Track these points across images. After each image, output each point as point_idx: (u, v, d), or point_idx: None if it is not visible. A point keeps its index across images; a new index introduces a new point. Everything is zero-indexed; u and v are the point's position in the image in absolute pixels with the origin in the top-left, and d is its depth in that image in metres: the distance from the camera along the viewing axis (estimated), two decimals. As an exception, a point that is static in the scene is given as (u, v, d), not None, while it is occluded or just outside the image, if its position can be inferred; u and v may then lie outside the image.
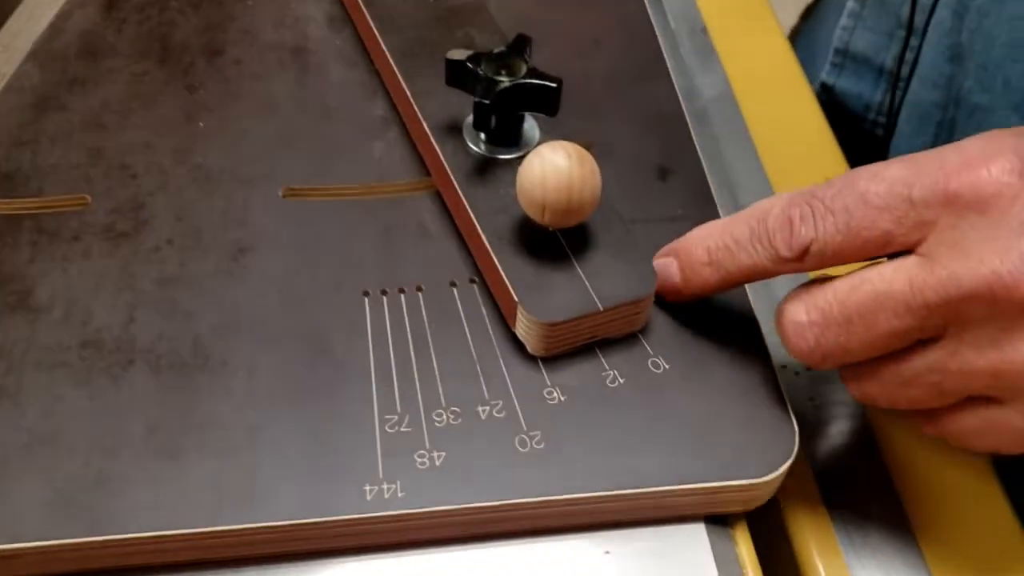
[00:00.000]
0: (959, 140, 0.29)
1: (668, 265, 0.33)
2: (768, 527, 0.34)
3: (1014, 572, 0.32)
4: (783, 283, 0.37)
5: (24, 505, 0.28)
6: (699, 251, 0.32)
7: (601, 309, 0.32)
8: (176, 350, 0.32)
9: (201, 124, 0.39)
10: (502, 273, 0.32)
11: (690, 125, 0.41)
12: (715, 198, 0.39)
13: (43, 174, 0.37)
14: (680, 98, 0.41)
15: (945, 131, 0.48)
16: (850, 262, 0.29)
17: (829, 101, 0.55)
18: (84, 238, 0.35)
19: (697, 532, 0.31)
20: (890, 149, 0.51)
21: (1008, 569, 0.32)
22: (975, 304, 0.26)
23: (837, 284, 0.29)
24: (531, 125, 0.37)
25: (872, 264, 0.29)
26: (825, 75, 0.55)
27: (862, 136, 0.53)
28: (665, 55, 0.44)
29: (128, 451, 0.30)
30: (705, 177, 0.38)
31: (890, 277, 0.28)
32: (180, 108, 0.40)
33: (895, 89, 0.50)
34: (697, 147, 0.39)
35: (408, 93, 0.38)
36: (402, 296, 0.34)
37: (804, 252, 0.29)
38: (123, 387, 0.31)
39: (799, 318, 0.29)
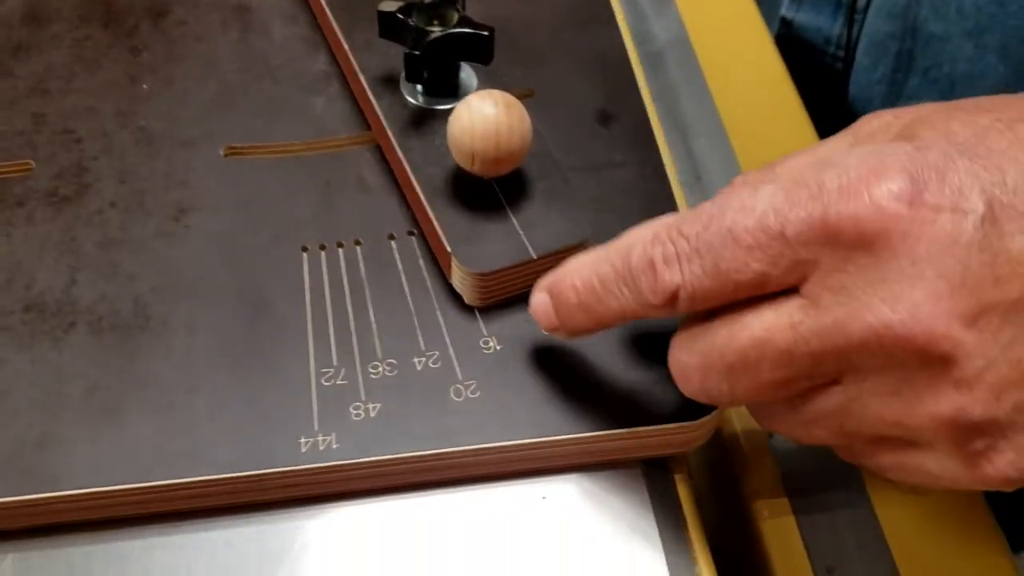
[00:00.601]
0: (862, 133, 0.26)
1: (544, 303, 0.29)
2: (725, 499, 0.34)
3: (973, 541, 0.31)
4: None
5: (-32, 466, 0.29)
6: (568, 292, 0.28)
7: (535, 257, 0.32)
8: (117, 311, 0.33)
9: (145, 86, 0.39)
10: (436, 224, 0.33)
11: (642, 70, 0.41)
12: (666, 144, 0.38)
13: (-13, 141, 0.37)
14: (626, 43, 0.41)
15: (904, 62, 0.47)
16: (727, 304, 0.26)
17: (789, 36, 0.54)
18: (28, 203, 0.35)
19: (634, 476, 0.31)
20: (850, 82, 0.51)
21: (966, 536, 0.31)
22: (866, 354, 0.24)
23: (716, 326, 0.26)
24: (468, 74, 0.36)
25: (752, 304, 0.26)
26: (784, 10, 0.54)
27: (823, 70, 0.52)
28: (617, -1, 0.43)
29: (70, 412, 0.30)
30: (648, 123, 0.38)
31: (770, 323, 0.25)
32: (124, 71, 0.40)
33: (851, 21, 0.50)
34: (643, 92, 0.39)
35: (346, 47, 0.38)
36: (340, 250, 0.34)
37: (672, 298, 0.26)
38: (65, 349, 0.32)
39: (681, 358, 0.27)
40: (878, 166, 0.24)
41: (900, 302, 0.23)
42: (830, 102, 0.51)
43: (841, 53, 0.51)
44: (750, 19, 0.48)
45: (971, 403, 0.24)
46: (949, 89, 0.45)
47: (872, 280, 0.23)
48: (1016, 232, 0.23)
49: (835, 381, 0.26)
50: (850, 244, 0.24)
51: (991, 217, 0.23)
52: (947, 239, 0.23)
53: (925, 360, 0.24)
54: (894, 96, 0.48)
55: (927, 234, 0.23)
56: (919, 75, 0.46)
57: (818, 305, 0.24)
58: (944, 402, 0.24)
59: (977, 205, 0.23)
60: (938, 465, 0.26)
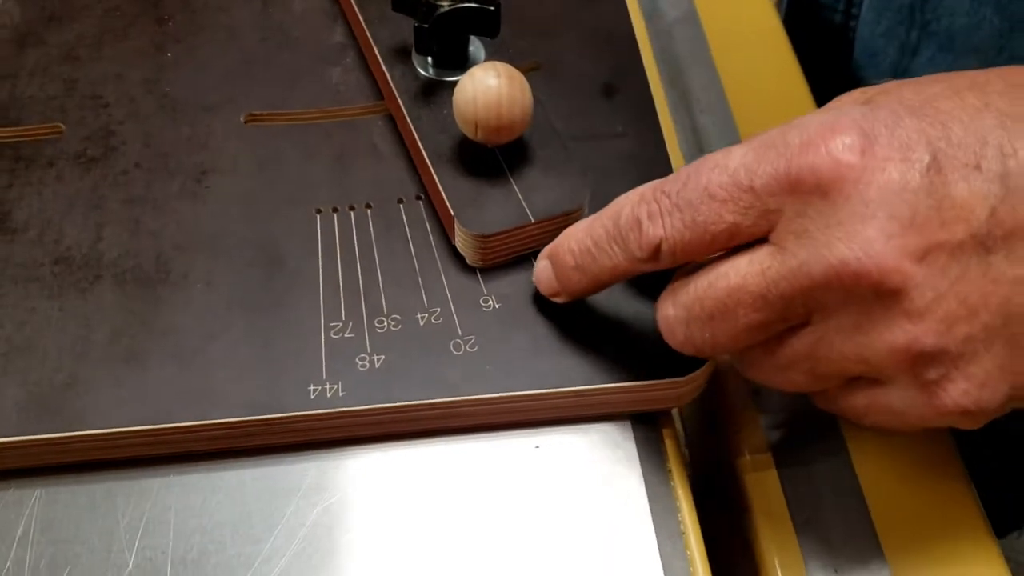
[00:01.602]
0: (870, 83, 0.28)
1: (545, 269, 0.32)
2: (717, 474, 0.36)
3: (967, 541, 0.32)
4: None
5: (1, 406, 0.31)
6: (566, 255, 0.31)
7: (533, 221, 0.34)
8: (141, 265, 0.35)
9: (169, 55, 0.41)
10: (441, 189, 0.34)
11: (651, 45, 0.42)
12: (671, 116, 0.40)
13: (21, 105, 0.39)
14: (635, 18, 0.42)
15: (907, 15, 0.48)
16: (705, 256, 0.28)
17: None
18: (58, 164, 0.38)
19: (623, 428, 0.33)
20: (856, 38, 0.52)
21: (960, 536, 0.32)
22: (829, 292, 0.26)
23: (697, 279, 0.28)
24: (477, 47, 0.38)
25: (729, 256, 0.28)
26: None
27: (832, 27, 0.53)
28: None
29: (95, 357, 0.32)
30: (650, 96, 0.39)
31: (744, 270, 0.27)
32: (150, 40, 0.42)
33: None
34: (649, 66, 0.40)
35: (361, 19, 0.39)
36: (352, 213, 0.36)
37: (656, 251, 0.28)
38: (91, 299, 0.34)
39: (667, 312, 0.29)
40: (834, 124, 0.26)
41: (855, 240, 0.25)
42: (838, 57, 0.52)
43: (849, 8, 0.52)
44: (757, -2, 0.49)
45: (923, 333, 0.26)
46: (949, 42, 0.46)
47: (830, 223, 0.26)
48: (960, 180, 0.25)
49: (805, 323, 0.28)
50: (809, 191, 0.26)
51: (936, 167, 0.25)
52: (896, 185, 0.25)
53: (879, 293, 0.26)
54: (897, 49, 0.49)
55: (877, 180, 0.25)
56: (921, 28, 0.47)
57: (784, 250, 0.26)
58: (898, 332, 0.26)
59: (923, 156, 0.25)
60: (901, 399, 0.28)
